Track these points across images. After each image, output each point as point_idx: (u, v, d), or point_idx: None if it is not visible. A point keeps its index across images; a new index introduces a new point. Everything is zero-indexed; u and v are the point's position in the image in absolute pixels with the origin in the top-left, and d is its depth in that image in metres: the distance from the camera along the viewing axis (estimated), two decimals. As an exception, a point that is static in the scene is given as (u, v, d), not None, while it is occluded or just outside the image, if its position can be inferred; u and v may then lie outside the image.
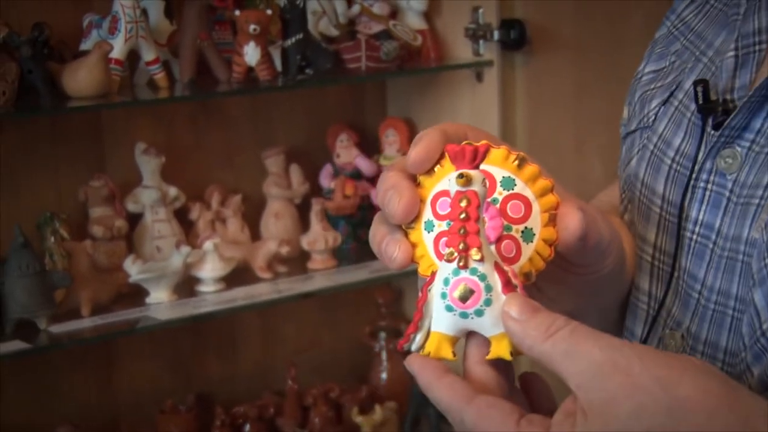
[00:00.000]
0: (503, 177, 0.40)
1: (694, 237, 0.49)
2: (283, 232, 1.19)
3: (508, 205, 0.40)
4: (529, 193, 0.40)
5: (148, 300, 1.07)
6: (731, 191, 0.47)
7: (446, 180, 0.38)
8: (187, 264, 1.07)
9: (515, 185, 0.40)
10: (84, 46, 1.06)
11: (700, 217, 0.49)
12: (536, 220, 0.41)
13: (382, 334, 1.30)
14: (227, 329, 1.23)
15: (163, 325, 1.07)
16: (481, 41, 1.25)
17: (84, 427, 1.09)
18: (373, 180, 1.24)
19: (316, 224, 1.18)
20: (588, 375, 0.34)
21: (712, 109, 0.50)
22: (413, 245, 0.39)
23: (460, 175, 0.35)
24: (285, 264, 1.18)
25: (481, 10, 1.27)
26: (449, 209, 0.37)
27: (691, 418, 0.33)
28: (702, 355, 0.46)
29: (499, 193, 0.40)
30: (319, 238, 1.17)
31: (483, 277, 0.37)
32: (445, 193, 0.38)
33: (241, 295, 1.11)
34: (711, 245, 0.47)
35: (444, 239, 0.38)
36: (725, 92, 0.50)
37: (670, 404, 0.33)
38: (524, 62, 1.25)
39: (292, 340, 1.30)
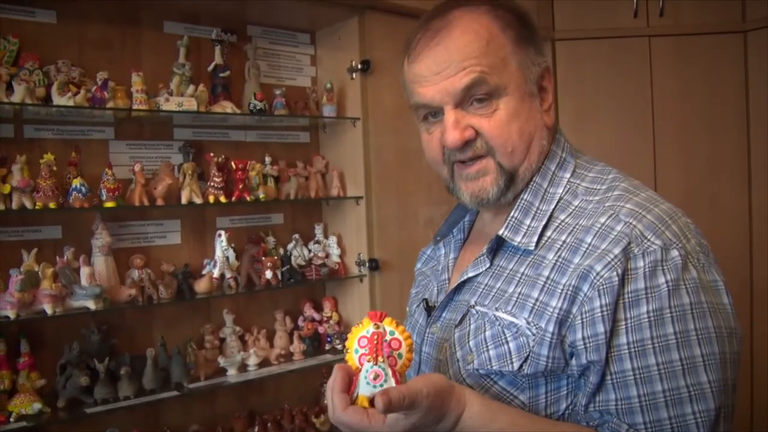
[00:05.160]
0: (390, 330, 0.87)
1: (422, 356, 1.08)
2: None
3: (392, 342, 0.86)
4: (400, 336, 0.87)
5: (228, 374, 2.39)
6: (436, 339, 1.06)
7: (365, 330, 0.85)
8: (242, 359, 2.47)
9: (395, 333, 0.87)
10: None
11: (426, 349, 1.08)
12: (404, 349, 0.87)
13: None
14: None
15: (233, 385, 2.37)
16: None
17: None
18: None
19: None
20: (424, 401, 0.82)
21: (431, 308, 1.11)
22: (347, 362, 0.86)
23: (376, 325, 0.84)
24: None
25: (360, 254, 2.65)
26: (367, 341, 0.83)
27: (430, 409, 0.84)
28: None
29: (389, 336, 0.86)
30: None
31: (383, 368, 0.78)
32: (362, 337, 0.85)
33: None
34: (428, 360, 1.07)
35: (365, 355, 0.83)
36: (435, 302, 1.11)
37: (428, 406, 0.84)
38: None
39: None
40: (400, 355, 0.87)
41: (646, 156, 3.05)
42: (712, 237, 2.92)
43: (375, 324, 0.86)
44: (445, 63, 0.98)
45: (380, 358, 0.83)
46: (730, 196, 3.05)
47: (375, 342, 0.84)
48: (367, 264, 2.58)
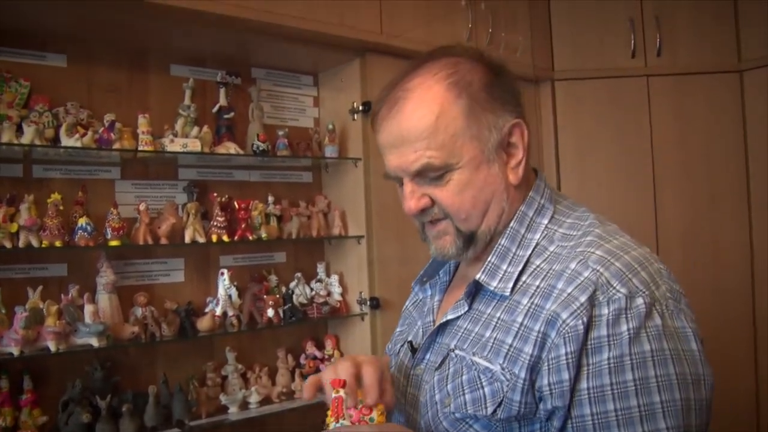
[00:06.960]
0: (360, 399, 0.96)
1: (408, 397, 1.11)
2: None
3: (362, 409, 0.95)
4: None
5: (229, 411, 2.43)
6: (420, 380, 1.08)
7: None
8: (244, 396, 2.50)
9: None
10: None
11: (411, 390, 1.11)
12: (375, 414, 0.95)
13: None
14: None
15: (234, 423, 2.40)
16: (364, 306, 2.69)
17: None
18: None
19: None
20: None
21: (415, 350, 1.13)
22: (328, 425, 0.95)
23: (336, 390, 0.94)
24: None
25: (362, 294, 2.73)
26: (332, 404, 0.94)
27: None
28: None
29: (360, 404, 0.96)
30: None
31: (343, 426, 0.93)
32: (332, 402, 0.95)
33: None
34: (413, 401, 1.09)
35: (330, 416, 0.94)
36: (419, 343, 1.13)
37: None
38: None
39: None
40: (372, 420, 0.94)
41: (646, 194, 3.08)
42: (713, 274, 2.96)
43: (335, 389, 0.95)
44: (398, 140, 1.03)
45: (341, 418, 0.93)
46: (731, 232, 3.07)
47: (336, 405, 0.94)
48: (368, 302, 2.59)
